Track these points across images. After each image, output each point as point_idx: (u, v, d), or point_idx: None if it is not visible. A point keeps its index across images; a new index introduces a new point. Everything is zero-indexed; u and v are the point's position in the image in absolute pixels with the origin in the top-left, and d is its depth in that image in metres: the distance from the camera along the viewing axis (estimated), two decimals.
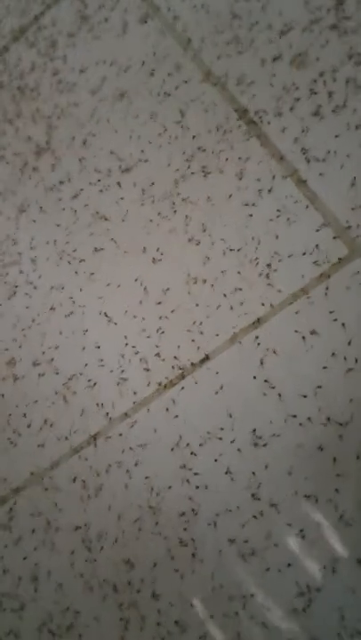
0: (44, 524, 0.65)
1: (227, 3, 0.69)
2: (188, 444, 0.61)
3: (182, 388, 0.62)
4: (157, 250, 0.66)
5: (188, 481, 0.61)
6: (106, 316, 0.67)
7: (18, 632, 0.64)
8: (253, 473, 0.59)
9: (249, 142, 0.65)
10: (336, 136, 0.62)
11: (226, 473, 0.60)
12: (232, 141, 0.65)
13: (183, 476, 0.61)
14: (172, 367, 0.63)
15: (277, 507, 0.58)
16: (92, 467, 0.64)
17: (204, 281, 0.63)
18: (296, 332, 0.60)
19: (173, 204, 0.66)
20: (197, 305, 0.63)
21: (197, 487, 0.60)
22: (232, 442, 0.60)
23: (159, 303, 0.65)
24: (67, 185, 0.72)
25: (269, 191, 0.63)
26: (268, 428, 0.59)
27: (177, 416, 0.62)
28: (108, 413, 0.65)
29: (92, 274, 0.68)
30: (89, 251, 0.69)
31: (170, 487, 0.61)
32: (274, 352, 0.60)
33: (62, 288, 0.69)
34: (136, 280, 0.66)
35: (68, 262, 0.70)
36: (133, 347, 0.65)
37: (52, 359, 0.68)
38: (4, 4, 0.81)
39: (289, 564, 0.56)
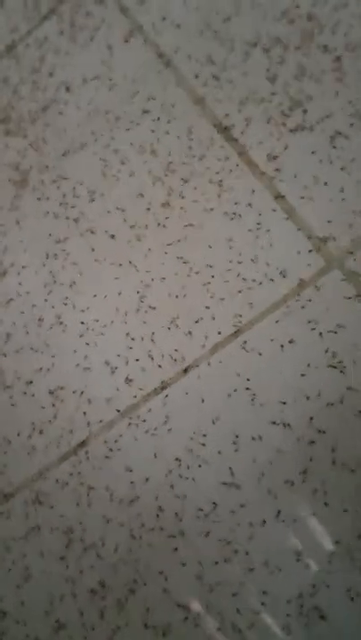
0: (35, 529, 0.67)
1: (207, 21, 0.71)
2: (172, 451, 0.63)
3: (166, 396, 0.64)
4: (142, 263, 0.68)
5: (172, 486, 0.63)
6: (93, 326, 0.68)
7: (9, 636, 0.65)
8: (229, 474, 0.61)
9: (229, 158, 0.67)
10: (313, 152, 0.64)
11: (209, 478, 0.62)
12: (212, 157, 0.68)
13: (169, 481, 0.63)
14: (157, 376, 0.65)
15: (262, 508, 0.60)
16: (80, 473, 0.66)
17: (187, 293, 0.66)
18: (276, 340, 0.62)
19: (156, 217, 0.68)
20: (180, 315, 0.65)
21: (181, 491, 0.62)
22: (214, 448, 0.62)
23: (145, 314, 0.67)
24: (54, 198, 0.74)
25: (249, 205, 0.65)
26: (250, 434, 0.61)
27: (162, 423, 0.64)
28: (95, 421, 0.66)
29: (79, 285, 0.70)
30: (76, 263, 0.71)
31: (155, 492, 0.63)
32: (254, 360, 0.62)
33: (50, 299, 0.71)
34: (121, 292, 0.68)
35: (56, 274, 0.71)
36: (119, 356, 0.67)
37: (40, 368, 0.70)
38: None
39: (266, 563, 0.58)
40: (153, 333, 0.66)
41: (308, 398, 0.60)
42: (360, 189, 0.62)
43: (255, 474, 0.60)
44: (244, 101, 0.68)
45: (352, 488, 0.57)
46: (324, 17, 0.68)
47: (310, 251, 0.62)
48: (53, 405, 0.68)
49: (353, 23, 0.67)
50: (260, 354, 0.62)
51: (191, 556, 0.61)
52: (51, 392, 0.69)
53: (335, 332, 0.60)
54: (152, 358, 0.66)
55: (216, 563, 0.60)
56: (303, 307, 0.62)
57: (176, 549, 0.61)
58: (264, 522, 0.59)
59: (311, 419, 0.60)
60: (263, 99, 0.67)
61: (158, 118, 0.71)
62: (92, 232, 0.71)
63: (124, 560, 0.63)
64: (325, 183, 0.63)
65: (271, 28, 0.69)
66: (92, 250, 0.71)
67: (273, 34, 0.69)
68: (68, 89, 0.76)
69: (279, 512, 0.59)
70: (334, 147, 0.64)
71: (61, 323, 0.70)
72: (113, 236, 0.70)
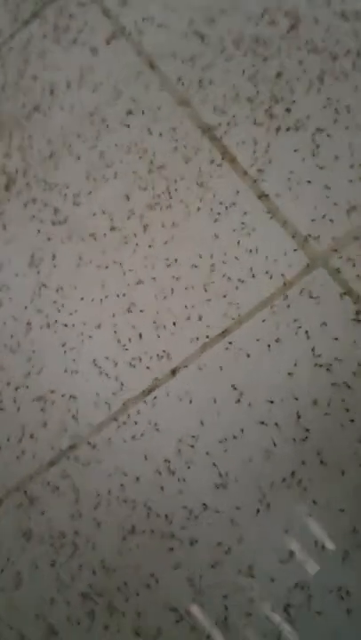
0: (26, 533, 0.67)
1: (190, 22, 0.71)
2: (161, 452, 0.63)
3: (155, 397, 0.64)
4: (128, 264, 0.68)
5: (162, 488, 0.63)
6: (80, 329, 0.68)
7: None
8: (218, 475, 0.61)
9: (213, 158, 0.67)
10: (296, 151, 0.64)
11: (199, 479, 0.62)
12: (197, 157, 0.68)
13: (159, 483, 0.63)
14: (145, 378, 0.65)
15: (251, 511, 0.60)
16: (70, 476, 0.66)
17: (173, 294, 0.65)
18: (262, 340, 0.62)
19: (141, 218, 0.68)
20: (167, 317, 0.65)
21: (171, 493, 0.62)
22: (203, 448, 0.62)
23: (132, 316, 0.67)
24: (40, 201, 0.74)
25: (233, 205, 0.65)
26: (238, 434, 0.61)
27: (151, 425, 0.64)
28: (84, 424, 0.66)
29: (66, 289, 0.70)
30: (63, 266, 0.71)
31: (145, 494, 0.63)
32: (242, 360, 0.62)
33: (37, 303, 0.71)
34: (108, 295, 0.68)
35: (43, 278, 0.71)
36: (107, 358, 0.67)
37: (29, 372, 0.70)
38: None
39: (256, 563, 0.58)
40: (140, 335, 0.66)
41: (295, 397, 0.60)
42: (344, 187, 0.62)
43: (244, 474, 0.60)
44: (227, 102, 0.68)
45: (342, 487, 0.57)
46: (306, 16, 0.68)
47: (295, 249, 0.62)
48: (43, 409, 0.68)
49: (335, 22, 0.67)
50: (247, 354, 0.62)
51: (182, 558, 0.61)
52: (40, 396, 0.69)
53: (321, 331, 0.60)
54: (140, 360, 0.66)
55: (206, 564, 0.60)
56: (289, 306, 0.61)
57: (167, 552, 0.61)
58: (254, 522, 0.59)
59: (299, 418, 0.60)
60: (246, 99, 0.67)
61: (142, 119, 0.71)
62: (78, 235, 0.71)
63: (116, 563, 0.63)
64: (309, 181, 0.63)
65: (254, 28, 0.69)
66: (79, 252, 0.70)
67: (255, 34, 0.69)
68: (52, 92, 0.76)
69: (269, 512, 0.59)
70: (317, 145, 0.64)
71: (49, 326, 0.70)
72: (99, 239, 0.70)
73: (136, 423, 0.65)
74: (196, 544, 0.60)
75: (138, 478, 0.63)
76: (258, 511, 0.59)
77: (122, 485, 0.64)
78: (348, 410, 0.59)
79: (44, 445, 0.68)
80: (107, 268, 0.69)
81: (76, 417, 0.67)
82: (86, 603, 0.63)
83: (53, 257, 0.72)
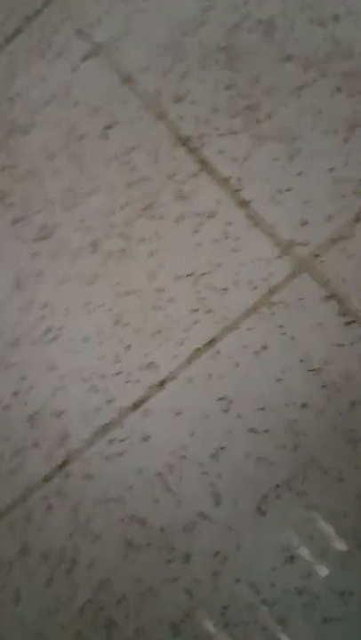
0: (23, 550, 0.66)
1: (166, 35, 0.72)
2: (154, 465, 0.63)
3: (145, 410, 0.64)
4: (113, 278, 0.68)
5: (156, 501, 0.62)
6: (68, 345, 0.69)
7: None
8: (212, 485, 0.61)
9: (193, 169, 0.67)
10: (275, 159, 0.65)
11: (192, 490, 0.61)
12: (177, 169, 0.68)
13: (152, 496, 0.63)
14: (135, 391, 0.65)
15: (247, 521, 0.59)
16: (64, 492, 0.66)
17: (158, 306, 0.66)
18: (250, 348, 0.62)
19: (124, 232, 0.69)
20: (154, 329, 0.66)
21: (166, 505, 0.62)
22: (195, 459, 0.62)
23: (119, 329, 0.67)
24: (24, 219, 0.74)
25: (215, 215, 0.66)
26: (229, 443, 0.61)
27: (142, 438, 0.64)
28: (76, 440, 0.66)
29: (53, 305, 0.70)
30: (48, 282, 0.71)
31: (140, 508, 0.63)
32: (230, 369, 0.62)
33: (24, 320, 0.71)
34: (95, 310, 0.68)
35: (29, 294, 0.72)
36: (95, 373, 0.67)
37: (18, 390, 0.70)
38: None
39: (255, 572, 0.58)
40: (128, 348, 0.66)
41: (285, 403, 0.60)
42: (323, 193, 0.63)
43: (238, 482, 0.60)
44: (205, 113, 0.69)
45: (338, 489, 0.57)
46: (281, 24, 0.68)
47: (278, 256, 0.63)
48: (33, 426, 0.68)
49: (310, 29, 0.68)
50: (234, 362, 0.62)
51: (180, 570, 0.60)
52: (30, 414, 0.69)
53: (308, 335, 0.61)
54: (129, 373, 0.66)
55: (205, 575, 0.60)
56: (274, 312, 0.62)
57: (164, 564, 0.61)
58: (250, 530, 0.59)
59: (290, 423, 0.60)
60: (224, 109, 0.68)
61: (121, 134, 0.71)
62: (62, 250, 0.71)
63: (113, 577, 0.62)
64: (288, 189, 0.64)
65: (229, 38, 0.70)
66: (63, 268, 0.71)
67: (231, 44, 0.69)
68: (32, 109, 0.77)
69: (265, 519, 0.59)
70: (296, 152, 0.64)
71: (36, 343, 0.70)
72: (83, 254, 0.70)
73: (127, 436, 0.65)
74: (193, 555, 0.60)
75: (132, 491, 0.63)
76: (254, 519, 0.59)
77: (116, 499, 0.64)
78: (340, 413, 0.59)
79: (36, 462, 0.67)
80: (92, 283, 0.69)
81: (67, 433, 0.67)
82: (85, 618, 0.62)
83: (39, 273, 0.72)
